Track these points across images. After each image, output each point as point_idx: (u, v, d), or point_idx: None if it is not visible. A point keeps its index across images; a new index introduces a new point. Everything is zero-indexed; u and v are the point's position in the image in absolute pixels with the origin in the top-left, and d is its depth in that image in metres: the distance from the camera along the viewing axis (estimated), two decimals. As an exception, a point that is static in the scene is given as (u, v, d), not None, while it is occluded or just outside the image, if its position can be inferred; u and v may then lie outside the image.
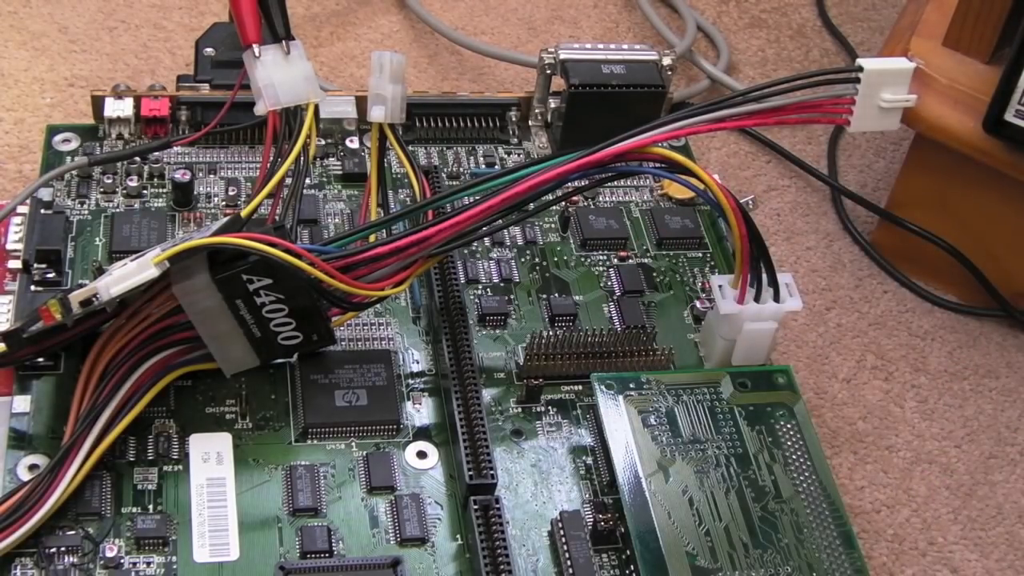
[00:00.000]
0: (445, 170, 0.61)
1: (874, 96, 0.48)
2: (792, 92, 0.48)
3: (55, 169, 0.57)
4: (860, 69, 0.47)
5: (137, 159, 0.58)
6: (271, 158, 0.52)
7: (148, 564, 0.45)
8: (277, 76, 0.52)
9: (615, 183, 0.62)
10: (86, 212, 0.57)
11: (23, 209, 0.55)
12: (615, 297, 0.57)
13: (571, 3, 0.81)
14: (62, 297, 0.45)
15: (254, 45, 0.53)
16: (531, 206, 0.50)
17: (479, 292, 0.56)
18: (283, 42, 0.53)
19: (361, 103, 0.61)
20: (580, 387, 0.52)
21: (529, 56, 0.72)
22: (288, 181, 0.51)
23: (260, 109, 0.53)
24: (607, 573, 0.46)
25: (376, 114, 0.52)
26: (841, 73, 0.48)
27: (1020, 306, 0.64)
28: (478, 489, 0.47)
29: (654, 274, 0.58)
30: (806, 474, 0.49)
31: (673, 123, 0.48)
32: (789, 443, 0.50)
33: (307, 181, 0.59)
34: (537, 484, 0.49)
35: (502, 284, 0.56)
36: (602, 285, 0.57)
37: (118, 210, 0.57)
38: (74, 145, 0.60)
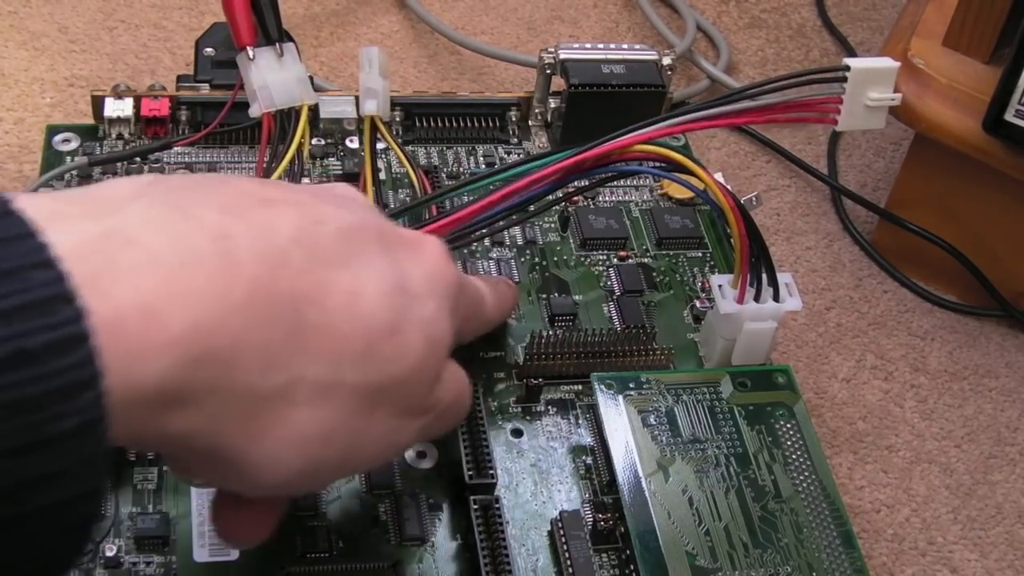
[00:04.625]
0: (445, 170, 0.61)
1: (861, 95, 0.48)
2: (782, 91, 0.49)
3: (55, 169, 0.57)
4: (847, 68, 0.47)
5: (137, 159, 0.58)
6: (266, 161, 0.52)
7: (148, 564, 0.45)
8: (271, 78, 0.53)
9: (615, 183, 0.62)
10: (86, 212, 0.57)
11: (23, 209, 0.55)
12: (615, 297, 0.57)
13: (571, 3, 0.81)
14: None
15: (248, 48, 0.53)
16: (530, 207, 0.50)
17: (479, 292, 0.56)
18: (276, 44, 0.53)
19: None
20: (580, 387, 0.52)
21: (529, 56, 0.72)
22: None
23: (255, 111, 0.53)
24: (607, 573, 0.46)
25: (369, 107, 0.53)
26: (829, 72, 0.48)
27: (1020, 306, 0.64)
28: (478, 489, 0.47)
29: (654, 274, 0.58)
30: (806, 474, 0.49)
31: (662, 122, 0.48)
32: (789, 443, 0.50)
33: (307, 181, 0.59)
34: (537, 484, 0.49)
35: (502, 284, 0.56)
36: (602, 285, 0.57)
37: (118, 210, 0.57)
38: (74, 145, 0.60)
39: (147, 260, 0.31)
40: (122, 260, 0.31)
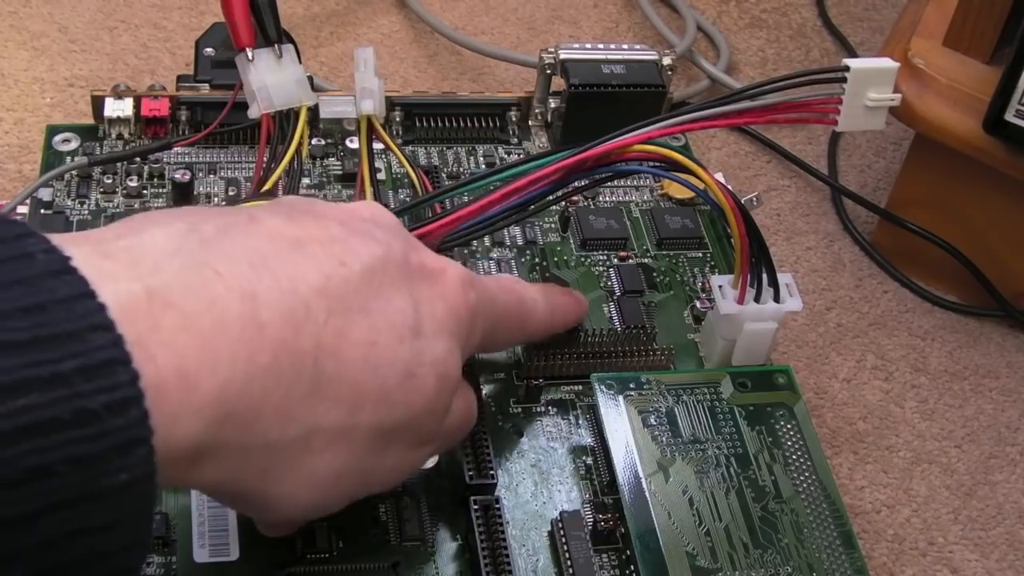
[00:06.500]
0: (445, 170, 0.61)
1: (860, 95, 0.48)
2: (782, 92, 0.49)
3: (55, 169, 0.57)
4: (847, 69, 0.47)
5: (137, 159, 0.58)
6: (264, 162, 0.52)
7: (148, 564, 0.45)
8: (270, 79, 0.53)
9: (615, 183, 0.62)
10: (86, 212, 0.57)
11: (23, 209, 0.55)
12: (615, 297, 0.57)
13: (571, 3, 0.81)
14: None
15: (247, 49, 0.53)
16: (530, 207, 0.50)
17: (479, 292, 0.56)
18: (275, 46, 0.53)
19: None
20: (580, 387, 0.52)
21: (529, 56, 0.72)
22: (283, 183, 0.51)
23: (254, 112, 0.53)
24: (607, 573, 0.46)
25: (366, 107, 0.53)
26: (828, 73, 0.48)
27: (1020, 306, 0.64)
28: (478, 489, 0.47)
29: (654, 274, 0.58)
30: (806, 474, 0.49)
31: (662, 122, 0.48)
32: (789, 443, 0.50)
33: (307, 181, 0.59)
34: (537, 484, 0.49)
35: (502, 284, 0.56)
36: (602, 285, 0.57)
37: (118, 210, 0.57)
38: (74, 145, 0.60)
39: (183, 325, 0.33)
40: (163, 324, 0.32)
